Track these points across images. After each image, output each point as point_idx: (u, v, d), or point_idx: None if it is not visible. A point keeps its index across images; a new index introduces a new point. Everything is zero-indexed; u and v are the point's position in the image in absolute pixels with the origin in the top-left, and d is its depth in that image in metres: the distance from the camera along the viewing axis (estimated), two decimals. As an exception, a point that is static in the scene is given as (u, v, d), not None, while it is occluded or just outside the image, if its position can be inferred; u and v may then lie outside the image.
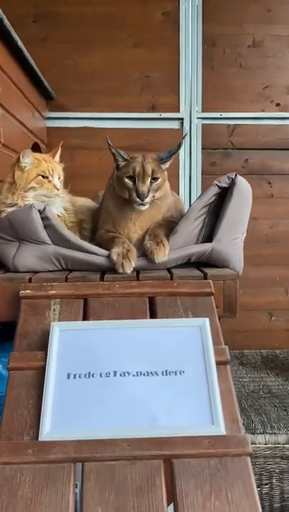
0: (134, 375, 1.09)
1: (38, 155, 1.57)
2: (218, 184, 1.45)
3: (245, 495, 0.92)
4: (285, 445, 1.76)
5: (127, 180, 1.42)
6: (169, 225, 1.50)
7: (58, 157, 1.62)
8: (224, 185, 1.45)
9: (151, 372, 1.10)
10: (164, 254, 1.39)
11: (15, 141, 2.01)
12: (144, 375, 1.09)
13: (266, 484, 1.79)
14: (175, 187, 2.65)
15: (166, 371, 1.10)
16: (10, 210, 1.50)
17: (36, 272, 1.43)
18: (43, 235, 1.41)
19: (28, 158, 1.50)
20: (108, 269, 1.40)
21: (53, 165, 1.55)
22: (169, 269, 1.44)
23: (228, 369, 1.14)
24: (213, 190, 1.46)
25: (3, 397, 1.11)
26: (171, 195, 1.61)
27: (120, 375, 1.09)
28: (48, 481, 0.94)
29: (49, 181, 1.52)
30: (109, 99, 2.74)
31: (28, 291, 1.29)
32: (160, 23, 2.73)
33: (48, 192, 1.52)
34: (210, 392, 1.06)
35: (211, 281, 1.33)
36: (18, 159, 1.50)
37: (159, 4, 2.72)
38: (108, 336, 1.17)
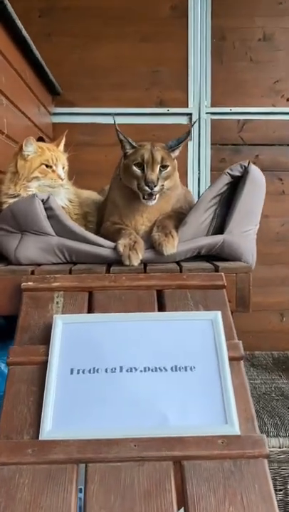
0: (141, 371, 1.02)
1: (41, 144, 1.51)
2: (230, 172, 1.38)
3: (262, 500, 0.85)
4: (300, 449, 1.68)
5: (134, 168, 1.36)
6: (178, 217, 1.43)
7: (62, 146, 1.56)
8: (236, 173, 1.38)
9: (159, 368, 1.03)
10: (173, 246, 1.33)
11: (20, 134, 1.95)
12: (152, 370, 1.02)
13: (280, 490, 1.70)
14: (183, 184, 2.58)
15: (175, 367, 1.03)
16: (12, 201, 1.44)
17: (39, 265, 1.36)
18: (47, 225, 1.35)
19: (32, 147, 1.44)
20: (114, 262, 1.33)
21: (57, 154, 1.49)
22: (177, 262, 1.38)
23: (241, 365, 1.07)
24: (225, 179, 1.39)
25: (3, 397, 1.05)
26: (181, 187, 1.55)
27: (127, 370, 1.02)
28: (49, 483, 0.87)
29: (53, 171, 1.47)
30: (116, 95, 2.68)
31: (30, 283, 1.23)
32: (168, 17, 2.68)
33: (51, 182, 1.46)
34: (223, 389, 0.99)
35: (222, 273, 1.26)
36: (21, 148, 1.45)
37: (167, -3, 2.67)
38: (114, 329, 1.10)
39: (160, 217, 1.42)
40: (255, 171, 1.38)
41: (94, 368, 1.02)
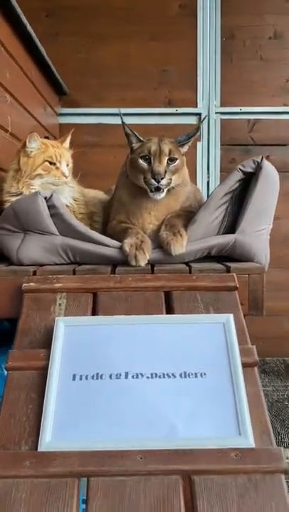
0: (148, 377, 0.95)
1: (45, 140, 1.46)
2: (242, 169, 1.32)
3: (279, 520, 0.77)
4: (316, 461, 1.59)
5: (141, 161, 1.30)
6: (188, 216, 1.36)
7: (67, 143, 1.51)
8: (249, 169, 1.32)
9: (167, 374, 0.96)
10: (182, 245, 1.26)
11: (25, 133, 1.89)
12: (159, 377, 0.96)
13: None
14: (192, 185, 2.52)
15: (184, 373, 0.96)
16: (15, 199, 1.39)
17: (42, 265, 1.30)
18: (50, 224, 1.29)
19: (35, 143, 1.39)
20: (120, 262, 1.27)
21: (61, 151, 1.44)
22: (186, 263, 1.31)
23: (255, 372, 1.00)
24: (237, 176, 1.32)
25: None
26: (191, 185, 1.48)
27: (133, 376, 0.96)
28: (48, 499, 0.81)
29: (57, 168, 1.41)
30: (124, 95, 2.63)
31: (31, 283, 1.17)
32: (177, 16, 2.63)
33: (55, 179, 1.41)
34: (236, 397, 0.92)
35: (234, 274, 1.19)
36: (24, 144, 1.40)
37: (175, -5, 2.62)
38: (119, 332, 1.03)
39: (168, 216, 1.35)
40: (268, 167, 1.31)
41: (97, 374, 0.96)
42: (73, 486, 0.83)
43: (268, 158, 2.62)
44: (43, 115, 2.32)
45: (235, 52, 2.64)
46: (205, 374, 0.96)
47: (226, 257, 1.34)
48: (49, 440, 0.88)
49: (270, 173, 1.31)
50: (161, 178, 1.27)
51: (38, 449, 0.87)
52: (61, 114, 2.66)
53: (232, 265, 1.25)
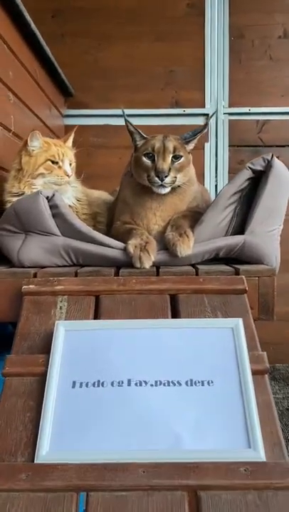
0: (152, 385, 0.90)
1: (47, 139, 1.42)
2: (252, 167, 1.27)
3: None
4: None
5: (145, 159, 1.25)
6: (194, 216, 1.31)
7: (70, 142, 1.47)
8: (258, 168, 1.26)
9: (172, 382, 0.91)
10: (188, 246, 1.21)
11: (28, 133, 1.87)
12: (164, 384, 0.90)
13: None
14: (200, 187, 2.47)
15: (191, 381, 0.91)
16: (16, 199, 1.35)
17: (43, 267, 1.26)
18: (51, 224, 1.25)
19: (37, 141, 1.35)
20: (124, 264, 1.22)
21: (64, 149, 1.40)
22: (193, 265, 1.26)
23: (266, 379, 0.94)
24: (246, 174, 1.27)
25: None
26: (198, 184, 1.43)
27: (135, 384, 0.90)
28: (44, 515, 0.75)
29: (59, 167, 1.37)
30: (130, 96, 2.59)
31: (31, 286, 1.13)
32: (184, 15, 2.60)
33: (58, 179, 1.36)
34: (245, 407, 0.86)
35: (243, 276, 1.13)
36: (26, 143, 1.36)
37: (183, -5, 2.59)
38: (122, 337, 0.98)
39: (174, 216, 1.30)
40: (279, 166, 1.26)
41: (99, 381, 0.91)
42: (71, 501, 0.78)
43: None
44: (48, 116, 2.29)
45: (244, 51, 2.59)
46: (212, 382, 0.91)
47: (234, 259, 1.29)
48: (46, 451, 0.83)
49: (280, 171, 1.26)
50: (165, 176, 1.22)
51: (35, 461, 0.82)
52: (67, 116, 2.62)
53: (241, 267, 1.20)
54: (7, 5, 1.62)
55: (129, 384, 0.90)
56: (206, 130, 1.34)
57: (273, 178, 1.24)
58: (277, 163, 1.26)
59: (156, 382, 0.90)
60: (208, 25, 2.58)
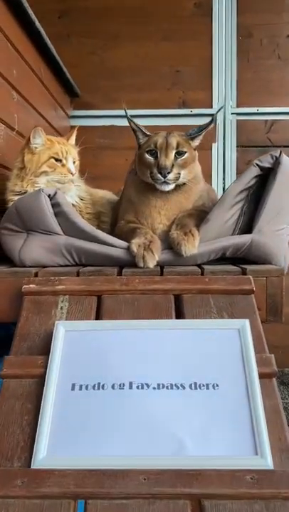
0: (154, 388, 0.86)
1: (50, 136, 1.39)
2: (260, 164, 1.23)
3: None
4: None
5: (147, 155, 1.22)
6: (200, 215, 1.28)
7: (73, 140, 1.45)
8: (266, 165, 1.23)
9: (176, 385, 0.87)
10: (194, 245, 1.17)
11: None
12: (167, 388, 0.87)
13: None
14: (207, 188, 2.43)
15: (195, 384, 0.87)
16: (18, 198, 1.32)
17: (45, 267, 1.23)
18: (53, 223, 1.22)
19: (40, 138, 1.33)
20: (127, 264, 1.19)
21: (67, 147, 1.37)
22: (199, 265, 1.22)
23: (274, 383, 0.90)
24: (253, 171, 1.23)
25: None
26: (204, 183, 1.40)
27: (137, 387, 0.87)
28: (40, 523, 0.72)
29: (63, 165, 1.34)
30: (137, 96, 2.56)
31: (32, 285, 1.10)
32: (192, 15, 2.56)
33: (61, 177, 1.34)
34: (252, 411, 0.82)
35: (251, 276, 1.09)
36: (28, 140, 1.33)
37: (190, -6, 2.56)
38: (124, 338, 0.95)
39: (180, 215, 1.27)
40: (287, 163, 1.22)
41: (99, 384, 0.88)
42: (69, 509, 0.74)
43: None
44: (54, 117, 2.27)
45: (252, 51, 2.55)
46: (218, 385, 0.87)
47: (241, 259, 1.25)
48: (43, 456, 0.79)
49: (289, 168, 1.22)
50: (168, 173, 1.19)
51: (31, 466, 0.79)
52: (73, 117, 2.60)
53: (248, 267, 1.16)
54: (10, 2, 1.60)
55: (130, 387, 0.87)
56: (212, 125, 1.30)
57: (282, 175, 1.20)
58: (286, 160, 1.22)
59: (158, 385, 0.87)
60: (216, 24, 2.55)
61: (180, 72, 2.58)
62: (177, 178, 1.22)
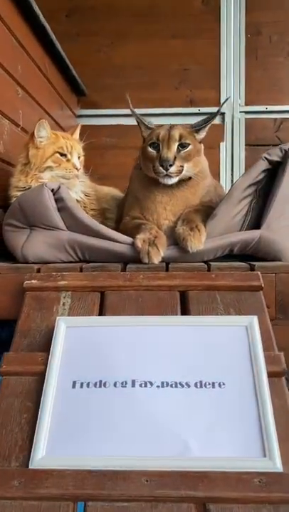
0: (158, 386, 0.83)
1: (55, 131, 1.37)
2: (268, 158, 1.19)
3: None
4: None
5: (150, 149, 1.20)
6: (207, 211, 1.24)
7: (77, 135, 1.42)
8: (275, 158, 1.19)
9: (181, 384, 0.84)
10: (200, 241, 1.14)
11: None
12: (171, 386, 0.83)
13: None
14: (215, 187, 2.39)
15: (200, 382, 0.84)
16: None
17: (48, 263, 1.20)
18: (57, 218, 1.20)
19: (45, 131, 1.30)
20: (132, 260, 1.16)
21: (72, 142, 1.35)
22: (205, 262, 1.19)
23: (283, 382, 0.86)
24: (262, 165, 1.20)
25: None
26: (211, 178, 1.36)
27: (140, 385, 0.84)
28: (38, 526, 0.69)
29: (68, 160, 1.32)
30: (144, 95, 2.53)
31: (33, 281, 1.07)
32: (200, 13, 2.54)
33: (66, 172, 1.32)
34: (260, 411, 0.79)
35: (259, 272, 1.06)
36: (33, 134, 1.31)
37: (198, -8, 2.54)
38: (127, 335, 0.92)
39: (186, 211, 1.24)
40: (297, 156, 1.18)
41: (100, 382, 0.85)
42: (67, 511, 0.71)
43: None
44: (61, 116, 2.26)
45: (261, 48, 2.52)
46: (224, 384, 0.83)
47: (250, 255, 1.22)
48: (42, 456, 0.76)
49: (299, 162, 1.18)
50: (170, 165, 1.16)
51: (30, 466, 0.76)
52: (80, 116, 2.59)
53: (257, 263, 1.12)
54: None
55: (133, 385, 0.83)
56: (216, 116, 1.27)
57: (291, 169, 1.17)
58: (296, 154, 1.18)
59: (162, 383, 0.84)
60: (224, 22, 2.52)
61: (188, 70, 2.56)
62: (180, 171, 1.18)
